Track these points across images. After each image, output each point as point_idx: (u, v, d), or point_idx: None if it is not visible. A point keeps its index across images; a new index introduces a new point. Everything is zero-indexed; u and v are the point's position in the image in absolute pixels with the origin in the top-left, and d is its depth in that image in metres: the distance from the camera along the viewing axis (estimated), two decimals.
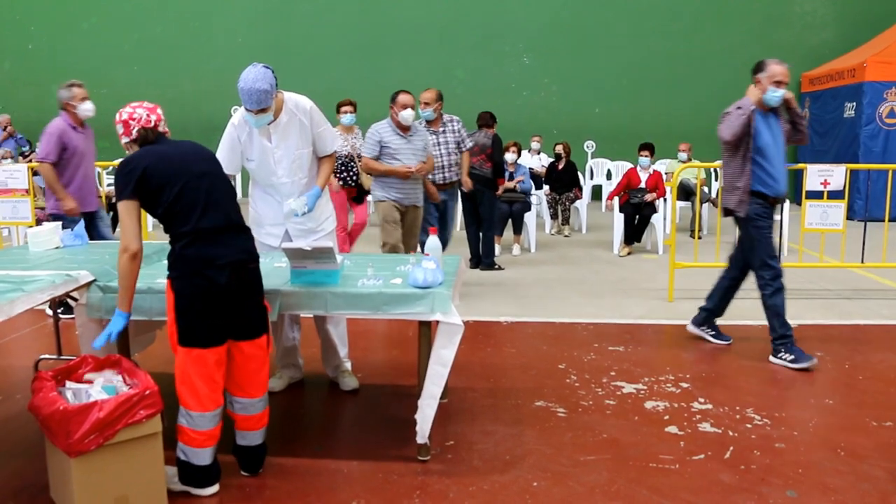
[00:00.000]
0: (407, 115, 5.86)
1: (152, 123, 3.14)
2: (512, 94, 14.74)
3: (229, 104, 13.58)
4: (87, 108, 6.22)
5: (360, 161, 7.21)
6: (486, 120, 8.20)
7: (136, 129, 3.12)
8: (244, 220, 3.26)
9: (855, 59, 13.01)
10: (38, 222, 7.04)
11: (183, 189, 3.01)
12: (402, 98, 5.90)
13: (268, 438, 3.52)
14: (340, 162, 7.34)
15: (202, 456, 3.14)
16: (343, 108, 7.65)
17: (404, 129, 5.96)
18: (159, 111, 3.19)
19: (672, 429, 3.90)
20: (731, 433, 3.84)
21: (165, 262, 3.14)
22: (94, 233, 6.03)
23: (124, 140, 3.16)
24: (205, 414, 3.10)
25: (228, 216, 3.12)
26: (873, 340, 5.52)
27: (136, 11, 15.09)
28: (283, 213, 4.15)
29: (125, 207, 3.01)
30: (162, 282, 3.23)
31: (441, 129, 6.81)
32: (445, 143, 6.84)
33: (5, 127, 11.50)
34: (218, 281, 3.01)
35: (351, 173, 7.44)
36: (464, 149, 7.12)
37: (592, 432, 3.85)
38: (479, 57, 14.86)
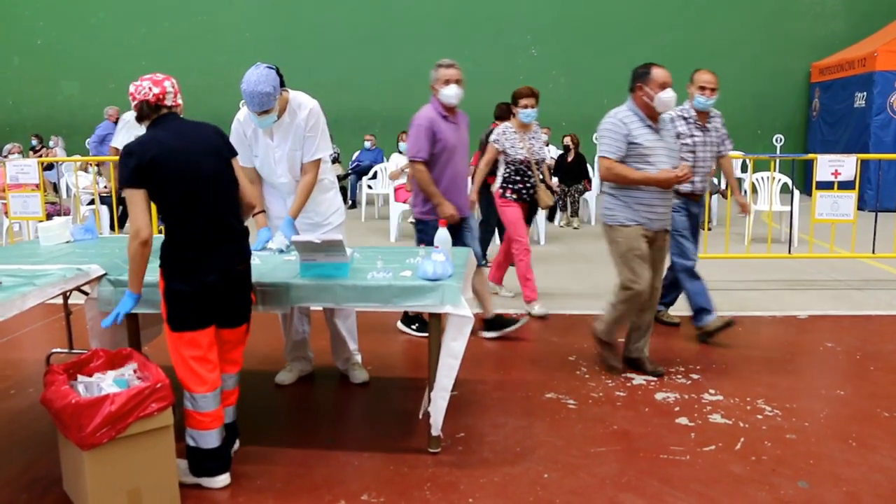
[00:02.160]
0: (668, 99, 4.29)
1: (152, 97, 2.97)
2: (519, 86, 14.69)
3: (237, 98, 13.49)
4: (450, 94, 4.99)
5: (538, 168, 6.07)
6: (500, 112, 7.33)
7: (136, 103, 2.98)
8: (242, 220, 3.24)
9: (865, 49, 12.92)
10: (49, 217, 7.07)
11: (185, 192, 2.98)
12: (660, 74, 4.34)
13: (279, 430, 3.54)
14: (514, 168, 5.95)
15: (210, 438, 3.16)
16: (522, 102, 5.99)
17: (655, 119, 4.41)
18: (167, 84, 3.01)
19: (682, 420, 3.89)
20: (741, 424, 3.83)
21: None
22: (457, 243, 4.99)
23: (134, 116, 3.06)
24: (206, 395, 3.12)
25: (226, 220, 3.11)
26: (884, 331, 5.49)
27: (143, 6, 15.12)
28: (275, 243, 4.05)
29: (131, 195, 2.93)
30: None
31: (708, 124, 5.18)
32: (711, 143, 5.16)
33: (116, 119, 11.40)
34: (206, 281, 3.04)
35: (527, 185, 5.97)
36: (724, 151, 5.35)
37: (603, 424, 3.85)
38: (488, 49, 14.82)
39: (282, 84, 3.84)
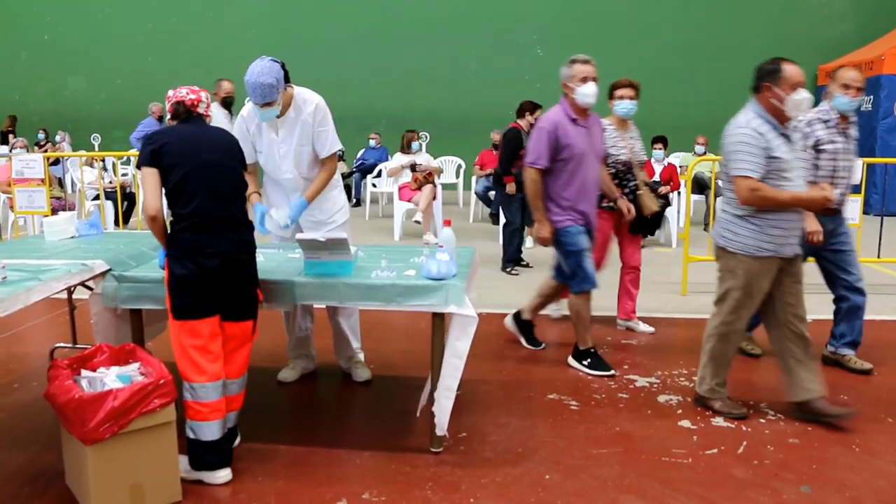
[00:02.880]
0: (801, 101, 3.65)
1: (188, 100, 3.24)
2: (525, 85, 14.62)
3: (242, 95, 13.53)
4: (588, 93, 4.39)
5: (641, 169, 5.26)
6: (522, 109, 7.58)
7: (172, 102, 3.24)
8: (247, 213, 3.30)
9: (872, 52, 12.88)
10: (54, 212, 7.09)
11: (188, 174, 3.09)
12: (793, 72, 3.66)
13: (282, 427, 3.54)
14: (613, 171, 5.11)
15: (209, 430, 3.17)
16: (618, 93, 5.15)
17: (784, 122, 3.75)
18: (203, 95, 3.30)
19: (685, 423, 3.89)
20: (744, 428, 3.82)
21: None
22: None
23: (168, 117, 3.29)
24: (206, 385, 3.14)
25: (227, 208, 3.18)
26: (889, 336, 5.48)
27: (150, 2, 15.13)
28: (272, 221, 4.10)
29: (145, 173, 3.13)
30: None
31: (848, 129, 4.48)
32: (852, 151, 4.48)
33: (160, 117, 11.42)
34: (207, 266, 3.09)
35: (625, 190, 5.15)
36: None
37: (605, 425, 3.85)
38: (493, 48, 14.81)
39: (287, 80, 3.89)
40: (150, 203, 3.10)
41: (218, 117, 7.14)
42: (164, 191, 3.13)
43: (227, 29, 14.87)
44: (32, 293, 3.05)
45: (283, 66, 3.83)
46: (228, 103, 7.53)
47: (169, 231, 3.16)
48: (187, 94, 3.25)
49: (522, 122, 7.43)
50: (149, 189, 3.12)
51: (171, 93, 3.27)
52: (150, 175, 3.11)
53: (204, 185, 3.11)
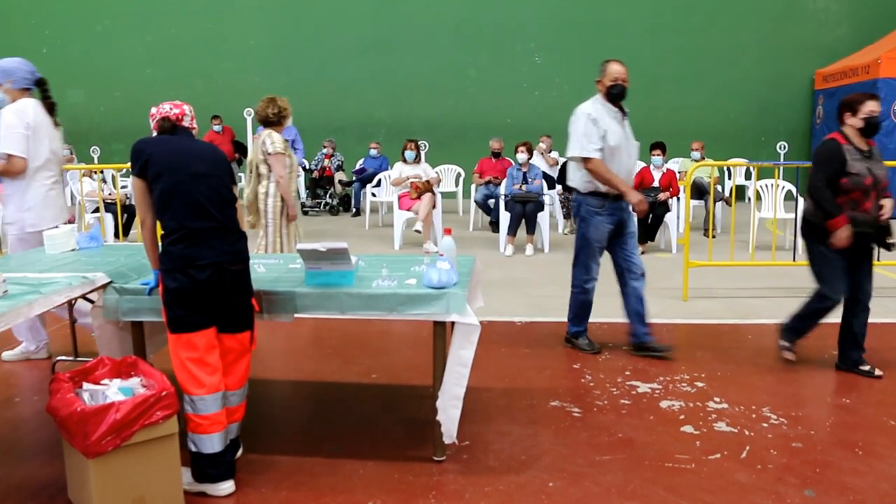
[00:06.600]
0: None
1: (172, 115, 3.28)
2: (524, 93, 14.73)
3: (242, 104, 13.60)
4: None
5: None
6: (849, 104, 4.55)
7: (157, 119, 3.28)
8: (238, 223, 3.29)
9: (869, 56, 12.92)
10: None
11: (174, 186, 3.09)
12: None
13: (284, 438, 3.53)
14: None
15: (210, 442, 3.16)
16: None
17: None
18: (186, 108, 3.34)
19: (688, 428, 3.89)
20: (747, 432, 3.82)
21: None
22: None
23: (153, 134, 3.32)
24: (205, 397, 3.13)
25: (216, 218, 3.16)
26: (890, 339, 5.48)
27: (149, 14, 15.18)
28: None
29: (135, 183, 3.17)
30: None
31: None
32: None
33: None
34: (199, 278, 3.08)
35: None
36: None
37: (608, 432, 3.84)
38: (491, 56, 14.86)
39: (41, 88, 4.88)
40: (143, 216, 3.19)
41: (601, 115, 4.97)
42: (152, 199, 3.15)
43: (227, 39, 14.89)
44: (33, 307, 3.05)
45: (40, 81, 4.79)
46: (615, 94, 4.94)
47: (160, 245, 3.18)
48: (171, 108, 3.29)
49: (850, 124, 4.51)
50: (141, 200, 3.18)
51: (154, 110, 3.31)
52: (140, 187, 3.16)
53: (189, 197, 3.10)
